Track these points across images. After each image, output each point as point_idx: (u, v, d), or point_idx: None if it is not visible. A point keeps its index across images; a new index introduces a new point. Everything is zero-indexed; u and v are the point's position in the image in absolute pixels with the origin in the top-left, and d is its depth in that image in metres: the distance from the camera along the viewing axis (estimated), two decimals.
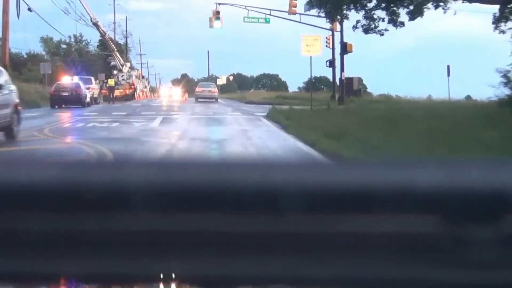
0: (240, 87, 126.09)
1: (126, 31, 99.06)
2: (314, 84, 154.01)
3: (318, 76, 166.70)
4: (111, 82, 50.63)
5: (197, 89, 51.86)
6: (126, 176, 0.75)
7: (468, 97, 39.92)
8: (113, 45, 63.12)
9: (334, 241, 0.75)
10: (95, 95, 45.87)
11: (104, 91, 51.18)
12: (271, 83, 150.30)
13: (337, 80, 46.86)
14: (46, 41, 77.86)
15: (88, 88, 41.70)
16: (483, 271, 0.73)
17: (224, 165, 0.78)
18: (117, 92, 55.47)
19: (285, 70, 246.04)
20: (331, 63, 46.32)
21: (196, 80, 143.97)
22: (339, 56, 38.99)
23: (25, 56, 64.50)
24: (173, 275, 0.77)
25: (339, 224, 0.74)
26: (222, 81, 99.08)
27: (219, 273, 0.76)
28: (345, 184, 0.74)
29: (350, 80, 48.03)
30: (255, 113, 30.73)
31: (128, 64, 67.50)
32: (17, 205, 0.75)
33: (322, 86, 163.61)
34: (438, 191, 0.72)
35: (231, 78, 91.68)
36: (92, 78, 47.59)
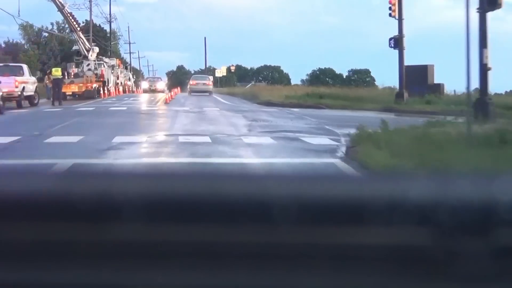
0: (239, 79, 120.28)
1: (110, 13, 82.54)
2: (318, 76, 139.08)
3: (323, 67, 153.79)
4: (56, 72, 33.55)
5: (190, 82, 49.07)
6: (119, 186, 0.76)
7: None
8: (74, 23, 46.03)
9: (327, 253, 0.75)
10: (29, 92, 29.09)
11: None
12: (272, 75, 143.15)
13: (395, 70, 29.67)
14: (26, 28, 72.33)
15: (12, 83, 26.05)
16: (474, 283, 0.74)
17: (217, 176, 0.79)
18: (73, 87, 38.69)
19: (287, 62, 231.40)
20: (397, 42, 29.43)
21: (193, 72, 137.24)
22: (478, 15, 17.91)
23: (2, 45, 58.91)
24: (165, 285, 0.77)
25: (332, 236, 0.74)
26: (221, 72, 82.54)
27: (211, 284, 0.76)
28: (338, 196, 0.75)
29: (419, 69, 31.13)
30: (317, 140, 14.08)
31: (96, 49, 50.55)
32: (8, 215, 0.75)
33: (327, 79, 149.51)
34: (430, 204, 0.73)
35: (232, 68, 74.82)
36: (25, 67, 30.68)
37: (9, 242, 0.76)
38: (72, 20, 45.82)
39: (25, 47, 74.95)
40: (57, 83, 32.51)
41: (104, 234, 0.75)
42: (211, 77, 56.25)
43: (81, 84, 39.83)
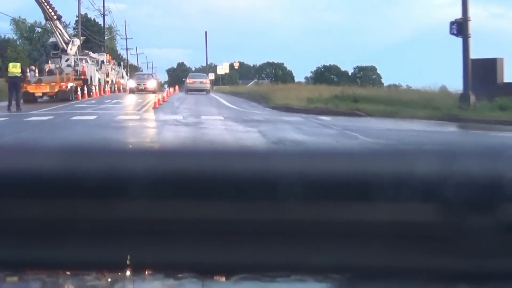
0: (241, 77, 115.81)
1: (104, 5, 75.82)
2: (323, 73, 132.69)
3: (327, 64, 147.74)
4: (13, 69, 25.80)
5: (188, 81, 47.78)
6: (125, 163, 0.76)
7: None
8: (50, 11, 38.46)
9: (333, 229, 0.76)
10: None
11: (24, 85, 27.51)
12: (276, 72, 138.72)
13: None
14: (18, 23, 70.35)
15: None
16: (481, 259, 0.74)
17: (223, 153, 0.79)
18: (43, 87, 31.32)
19: (290, 59, 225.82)
20: (461, 27, 21.99)
21: (193, 69, 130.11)
22: None
23: None
24: (172, 263, 0.78)
25: (337, 212, 0.75)
26: (224, 69, 75.00)
27: (217, 260, 0.78)
28: (343, 172, 0.75)
29: (485, 64, 23.71)
30: None
31: (77, 42, 43.06)
32: (14, 192, 0.75)
33: (332, 76, 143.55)
34: (436, 180, 0.73)
35: (236, 65, 67.39)
36: None
37: (13, 219, 0.75)
38: (48, 7, 38.30)
39: (17, 43, 69.44)
40: (14, 82, 25.00)
41: (110, 211, 0.75)
42: (208, 76, 55.27)
43: (53, 83, 32.21)
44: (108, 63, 57.27)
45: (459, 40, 22.05)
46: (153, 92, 41.53)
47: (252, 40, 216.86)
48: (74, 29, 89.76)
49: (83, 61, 41.63)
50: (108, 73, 55.56)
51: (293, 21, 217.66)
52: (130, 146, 0.81)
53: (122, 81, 67.21)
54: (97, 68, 48.38)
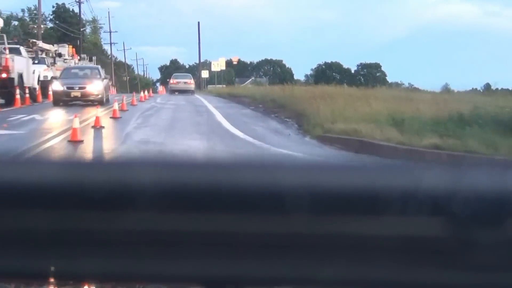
0: (238, 74, 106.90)
1: None
2: (324, 71, 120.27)
3: (329, 62, 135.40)
4: None
5: (171, 81, 47.02)
6: (132, 175, 0.77)
7: None
8: None
9: (340, 243, 0.76)
10: None
11: None
12: (274, 70, 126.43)
13: None
14: None
15: None
16: (489, 273, 0.75)
17: (230, 165, 0.80)
18: None
19: (289, 56, 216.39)
20: None
21: (187, 66, 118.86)
22: None
23: None
24: (178, 276, 0.79)
25: (345, 226, 0.75)
26: (219, 65, 60.74)
27: (224, 273, 0.78)
28: (351, 186, 0.75)
29: None
30: None
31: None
32: (21, 204, 0.76)
33: (334, 74, 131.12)
34: (444, 194, 0.74)
35: (235, 60, 53.50)
36: None
37: (21, 230, 0.76)
38: None
39: None
40: None
41: (117, 223, 0.75)
42: (202, 74, 55.59)
43: None
44: (70, 58, 43.34)
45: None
46: (98, 99, 24.81)
47: (249, 37, 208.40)
48: (50, 20, 76.70)
49: (9, 52, 27.45)
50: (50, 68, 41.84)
51: (290, 19, 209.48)
52: (136, 157, 0.80)
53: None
54: (50, 63, 35.22)
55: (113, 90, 70.48)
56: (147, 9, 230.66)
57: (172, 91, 43.28)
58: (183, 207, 0.75)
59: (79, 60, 48.54)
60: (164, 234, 0.76)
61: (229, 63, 74.85)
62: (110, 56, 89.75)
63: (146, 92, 34.31)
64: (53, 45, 42.05)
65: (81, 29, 69.92)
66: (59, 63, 38.47)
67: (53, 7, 78.51)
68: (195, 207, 0.74)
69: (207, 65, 78.39)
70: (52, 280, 0.80)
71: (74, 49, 46.18)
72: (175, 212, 0.75)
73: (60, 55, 41.18)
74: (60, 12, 77.37)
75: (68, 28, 70.07)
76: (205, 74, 72.00)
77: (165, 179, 0.75)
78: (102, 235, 0.76)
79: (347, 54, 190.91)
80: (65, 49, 43.26)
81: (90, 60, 56.64)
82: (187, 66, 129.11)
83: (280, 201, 0.73)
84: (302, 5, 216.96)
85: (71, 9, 77.31)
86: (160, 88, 63.43)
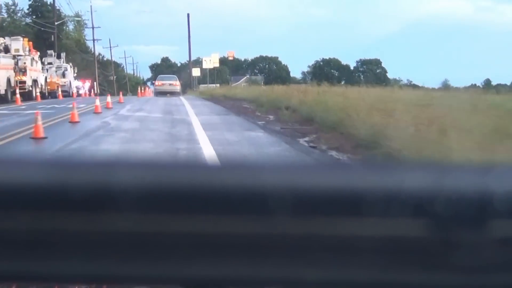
0: (232, 72, 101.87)
1: None
2: (322, 68, 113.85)
3: (327, 58, 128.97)
4: None
5: (156, 83, 46.88)
6: (116, 176, 0.76)
7: None
8: None
9: (324, 244, 0.76)
10: None
11: None
12: (270, 67, 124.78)
13: None
14: None
15: None
16: (471, 275, 0.75)
17: (213, 166, 0.79)
18: None
19: (285, 53, 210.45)
20: None
21: (179, 64, 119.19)
22: None
23: None
24: (162, 278, 0.79)
25: (329, 227, 0.75)
26: (212, 62, 53.31)
27: (207, 275, 0.78)
28: (334, 187, 0.76)
29: None
30: None
31: None
32: (3, 204, 0.75)
33: (332, 71, 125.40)
34: (427, 195, 0.74)
35: (230, 55, 46.61)
36: None
37: (3, 230, 0.75)
38: None
39: None
40: None
41: (99, 224, 0.75)
42: (193, 72, 54.01)
43: None
44: (26, 54, 36.09)
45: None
46: None
47: (242, 34, 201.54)
48: (27, 15, 69.46)
49: None
50: (25, 67, 34.83)
51: (283, 15, 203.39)
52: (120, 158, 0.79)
53: (64, 79, 46.28)
54: None
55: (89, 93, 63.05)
56: (139, 8, 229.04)
57: (158, 93, 43.06)
58: (166, 209, 0.75)
59: (41, 57, 41.07)
60: (146, 236, 0.75)
61: (223, 60, 67.62)
62: (93, 53, 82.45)
63: (109, 98, 26.41)
64: (3, 38, 34.77)
65: (56, 23, 62.58)
66: (4, 59, 31.40)
67: (30, 0, 71.74)
68: (178, 209, 0.74)
69: (199, 62, 71.62)
70: (32, 282, 0.78)
71: (31, 43, 38.48)
72: (158, 214, 0.75)
73: (7, 49, 34.14)
74: (37, 6, 70.47)
75: (44, 24, 63.07)
76: (196, 72, 64.58)
77: (148, 180, 0.75)
78: (84, 237, 0.75)
79: (344, 50, 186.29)
80: (19, 43, 35.90)
81: (58, 57, 49.31)
82: (178, 64, 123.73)
83: (264, 202, 0.74)
84: (295, 2, 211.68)
85: (49, 3, 70.32)
86: (142, 90, 55.75)
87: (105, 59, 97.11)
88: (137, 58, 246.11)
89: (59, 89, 43.42)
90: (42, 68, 42.10)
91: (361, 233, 0.74)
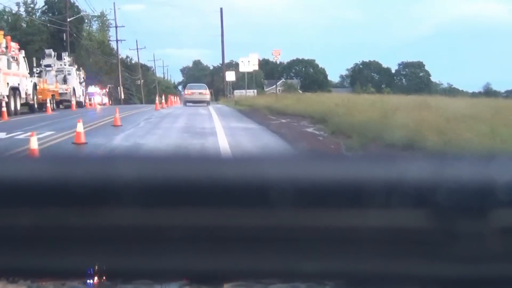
0: (266, 76, 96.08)
1: None
2: (362, 71, 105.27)
3: (367, 61, 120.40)
4: None
5: (185, 92, 45.10)
6: (116, 170, 0.76)
7: None
8: None
9: (325, 235, 0.76)
10: None
11: None
12: (306, 70, 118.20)
13: None
14: None
15: None
16: (472, 264, 0.76)
17: (215, 159, 0.80)
18: None
19: (322, 55, 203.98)
20: None
21: (211, 68, 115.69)
22: None
23: None
24: (164, 271, 0.79)
25: (330, 218, 0.76)
26: (251, 64, 44.51)
27: (210, 268, 0.78)
28: (335, 178, 0.76)
29: None
30: None
31: None
32: (4, 200, 0.76)
33: (373, 74, 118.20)
34: (428, 185, 0.74)
35: (276, 54, 37.66)
36: None
37: (4, 227, 0.76)
38: None
39: None
40: None
41: (100, 218, 0.75)
42: (226, 76, 52.88)
43: None
44: (1, 52, 27.50)
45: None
46: None
47: (277, 37, 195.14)
48: (43, 12, 62.58)
49: None
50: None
51: (314, 18, 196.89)
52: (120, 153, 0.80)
53: (62, 87, 37.17)
54: None
55: (108, 102, 55.20)
56: (171, 11, 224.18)
57: (187, 102, 41.59)
58: (167, 202, 0.74)
59: (22, 56, 31.13)
60: (148, 229, 0.75)
61: (264, 62, 60.08)
62: (117, 55, 75.27)
63: (118, 114, 19.19)
64: None
65: (69, 19, 55.33)
66: None
67: None
68: (179, 202, 0.74)
69: (232, 66, 64.21)
70: (35, 277, 0.79)
71: (8, 37, 29.34)
72: (159, 207, 0.74)
73: None
74: (53, 3, 63.45)
75: (58, 21, 56.01)
76: (230, 76, 55.76)
77: (148, 175, 0.75)
78: (86, 231, 0.75)
79: (383, 52, 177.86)
80: None
81: (59, 58, 39.46)
82: (211, 67, 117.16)
83: (265, 195, 0.73)
84: (326, 5, 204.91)
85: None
86: (163, 99, 47.50)
87: (133, 61, 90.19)
88: (168, 62, 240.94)
89: (54, 99, 33.88)
90: (40, 72, 34.04)
91: (363, 224, 0.74)
